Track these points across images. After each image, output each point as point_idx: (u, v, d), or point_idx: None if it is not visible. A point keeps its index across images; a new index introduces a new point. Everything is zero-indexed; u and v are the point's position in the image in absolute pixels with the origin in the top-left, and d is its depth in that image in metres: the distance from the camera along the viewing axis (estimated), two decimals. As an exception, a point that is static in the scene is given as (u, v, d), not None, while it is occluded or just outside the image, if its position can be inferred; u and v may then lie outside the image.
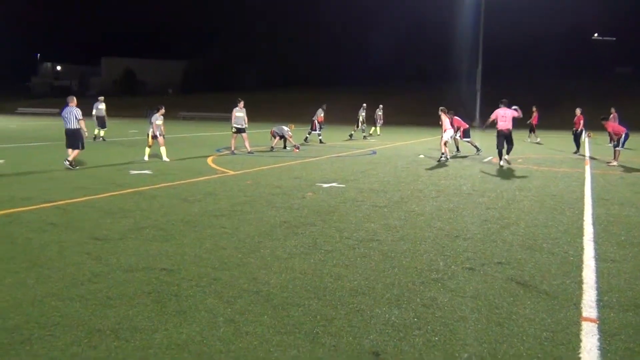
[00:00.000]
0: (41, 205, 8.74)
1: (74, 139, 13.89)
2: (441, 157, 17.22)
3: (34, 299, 4.59)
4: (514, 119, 16.08)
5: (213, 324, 4.16)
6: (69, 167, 13.53)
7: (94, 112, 24.34)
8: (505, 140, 15.97)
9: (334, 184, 11.72)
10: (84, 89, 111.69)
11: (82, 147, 14.05)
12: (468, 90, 55.93)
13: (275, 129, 21.33)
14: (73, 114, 13.80)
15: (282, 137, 21.10)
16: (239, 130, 19.16)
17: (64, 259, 5.76)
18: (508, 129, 15.90)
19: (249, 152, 18.86)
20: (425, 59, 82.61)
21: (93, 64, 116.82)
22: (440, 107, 18.30)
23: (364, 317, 4.36)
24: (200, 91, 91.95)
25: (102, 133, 24.38)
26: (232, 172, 13.67)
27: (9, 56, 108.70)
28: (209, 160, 16.74)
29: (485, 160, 17.96)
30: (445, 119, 17.65)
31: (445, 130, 17.56)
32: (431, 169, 15.17)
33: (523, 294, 4.96)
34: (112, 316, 4.26)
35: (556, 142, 28.97)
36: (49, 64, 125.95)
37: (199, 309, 4.44)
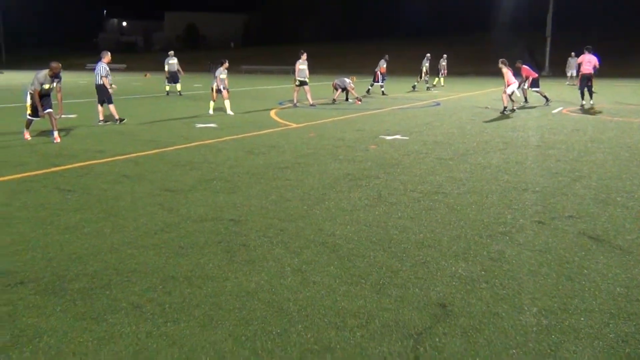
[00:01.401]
0: (114, 158, 9.08)
1: (98, 94, 13.89)
2: (504, 110, 16.46)
3: (111, 247, 4.81)
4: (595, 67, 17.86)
5: (281, 273, 4.26)
6: (100, 123, 13.67)
7: (165, 67, 24.58)
8: (587, 82, 18.00)
9: (397, 136, 11.60)
10: (149, 45, 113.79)
11: (108, 102, 13.85)
12: (537, 37, 53.51)
13: (337, 81, 21.18)
14: (98, 69, 13.82)
15: (344, 89, 20.95)
16: (302, 83, 19.13)
17: (137, 210, 5.99)
18: (590, 73, 17.84)
19: (311, 105, 18.85)
20: (490, 6, 79.27)
21: (157, 19, 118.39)
22: (501, 59, 17.02)
23: (430, 269, 4.35)
24: (261, 44, 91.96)
25: (178, 87, 24.65)
26: (294, 125, 13.73)
27: (78, 13, 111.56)
28: (272, 113, 16.85)
29: (555, 111, 17.28)
30: (507, 72, 16.50)
31: (508, 85, 16.44)
32: (497, 120, 14.75)
33: (595, 249, 4.81)
34: (184, 264, 4.42)
35: (631, 92, 27.51)
36: (115, 20, 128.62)
37: (267, 259, 4.55)
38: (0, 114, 16.43)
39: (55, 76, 10.79)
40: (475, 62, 60.26)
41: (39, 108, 10.75)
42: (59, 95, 11.09)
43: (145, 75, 49.68)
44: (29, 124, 11.21)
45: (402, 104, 20.27)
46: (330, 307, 3.69)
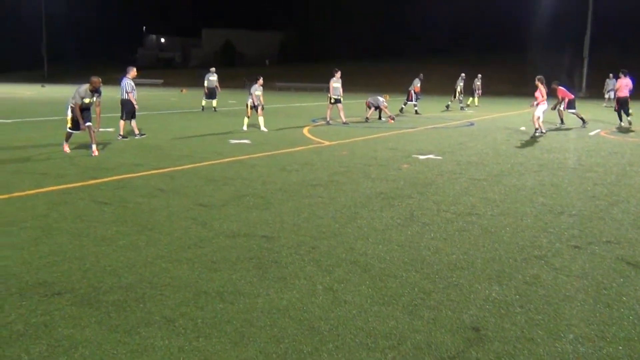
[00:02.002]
0: (150, 172, 9.23)
1: (123, 109, 14.08)
2: (535, 132, 15.97)
3: (146, 260, 4.88)
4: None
5: (312, 291, 4.26)
6: (119, 138, 13.76)
7: (205, 82, 24.91)
8: (625, 105, 18.87)
9: (430, 156, 11.54)
10: (186, 61, 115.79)
11: (123, 118, 14.05)
12: (574, 58, 52.76)
13: (370, 99, 21.21)
14: (123, 85, 14.05)
15: (377, 107, 20.95)
16: (336, 101, 19.21)
17: (171, 224, 6.08)
18: (626, 96, 18.94)
19: (344, 123, 18.89)
20: (526, 25, 78.61)
21: (194, 35, 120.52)
22: (538, 77, 16.39)
23: (463, 291, 4.30)
24: (295, 62, 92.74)
25: (214, 103, 24.93)
26: (327, 143, 13.77)
27: (119, 29, 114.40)
28: (305, 130, 16.95)
29: (593, 133, 16.98)
30: (541, 89, 15.88)
31: (538, 103, 15.87)
32: (532, 141, 14.55)
33: (634, 275, 4.69)
34: (217, 279, 4.46)
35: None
36: (153, 36, 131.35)
37: (299, 276, 4.55)
38: (41, 127, 16.88)
39: (95, 90, 11.08)
40: (512, 82, 59.68)
41: (80, 121, 11.02)
42: (97, 109, 11.38)
43: (182, 91, 50.51)
44: (68, 136, 11.49)
45: (435, 124, 20.18)
46: (361, 327, 3.67)
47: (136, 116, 14.41)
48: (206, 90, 24.91)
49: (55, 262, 4.79)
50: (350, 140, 14.46)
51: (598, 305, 4.08)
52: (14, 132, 15.33)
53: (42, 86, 59.39)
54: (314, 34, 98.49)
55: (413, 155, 11.61)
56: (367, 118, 20.91)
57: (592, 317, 3.88)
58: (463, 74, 29.13)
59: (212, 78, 24.69)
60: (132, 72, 14.25)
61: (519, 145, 13.85)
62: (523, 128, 18.39)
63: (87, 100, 11.05)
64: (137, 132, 14.18)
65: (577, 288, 4.41)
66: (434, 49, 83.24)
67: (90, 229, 5.82)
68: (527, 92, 44.39)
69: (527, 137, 15.48)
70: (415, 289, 4.33)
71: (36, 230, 5.71)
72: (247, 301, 4.05)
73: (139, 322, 3.68)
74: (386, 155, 11.70)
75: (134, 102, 14.06)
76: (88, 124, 11.10)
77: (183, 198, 7.33)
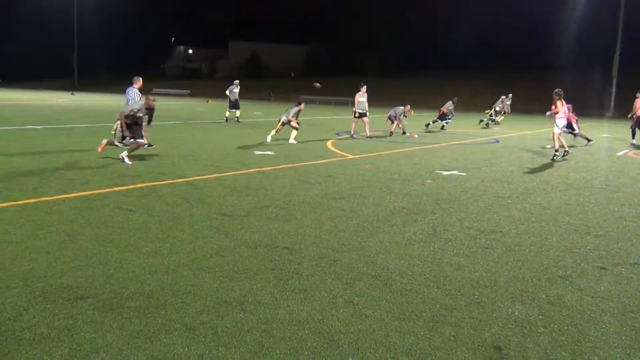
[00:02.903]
0: (174, 180, 9.32)
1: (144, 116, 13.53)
2: (554, 155, 14.88)
3: (168, 268, 4.92)
4: None
5: (333, 304, 4.24)
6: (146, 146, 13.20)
7: (227, 92, 25.24)
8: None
9: (454, 172, 11.47)
10: (213, 72, 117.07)
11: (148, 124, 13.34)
12: (603, 77, 52.11)
13: (391, 112, 21.16)
14: (132, 95, 13.64)
15: (396, 117, 20.78)
16: (361, 115, 19.23)
17: (194, 232, 6.12)
18: None
19: (367, 137, 18.89)
20: (553, 44, 77.88)
21: (221, 47, 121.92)
22: (556, 90, 15.29)
23: (485, 309, 4.25)
24: (320, 75, 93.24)
25: (237, 113, 25.30)
26: (351, 156, 13.77)
27: (148, 40, 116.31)
28: (329, 143, 16.98)
29: (621, 153, 16.73)
30: (560, 105, 14.93)
31: (557, 119, 14.95)
32: (559, 160, 14.37)
33: (662, 299, 4.59)
34: (237, 289, 4.47)
35: None
36: (181, 48, 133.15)
37: (319, 289, 4.54)
38: (70, 134, 17.18)
39: (149, 109, 11.42)
40: (537, 100, 59.16)
41: (127, 133, 11.24)
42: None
43: (208, 102, 51.03)
44: (110, 142, 11.71)
45: (460, 140, 20.06)
46: (381, 342, 3.64)
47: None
48: (232, 99, 25.17)
49: (79, 266, 4.85)
50: (373, 154, 14.44)
51: (624, 329, 3.99)
52: (44, 138, 15.61)
53: (72, 94, 60.52)
54: (340, 49, 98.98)
55: (437, 171, 11.55)
56: (391, 132, 20.88)
57: (617, 340, 3.80)
58: (510, 95, 29.44)
59: (236, 90, 25.02)
60: (139, 82, 14.01)
61: (545, 163, 13.69)
62: (549, 146, 18.16)
63: (139, 115, 11.32)
64: (146, 142, 13.54)
65: (603, 310, 4.32)
66: (460, 64, 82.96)
67: (114, 235, 5.89)
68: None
69: (549, 155, 15.27)
70: (437, 305, 4.29)
71: (62, 235, 5.80)
72: (267, 311, 4.05)
73: (159, 328, 3.71)
74: (410, 170, 11.66)
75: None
76: (133, 140, 11.24)
77: (206, 207, 7.38)
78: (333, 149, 15.47)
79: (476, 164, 12.97)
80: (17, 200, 7.33)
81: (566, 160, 14.42)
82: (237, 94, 25.16)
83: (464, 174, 11.34)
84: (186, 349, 3.43)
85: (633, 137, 19.68)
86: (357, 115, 19.33)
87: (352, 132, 19.56)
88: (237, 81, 25.63)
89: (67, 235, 5.82)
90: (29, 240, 5.58)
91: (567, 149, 15.12)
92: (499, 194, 9.21)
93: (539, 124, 32.50)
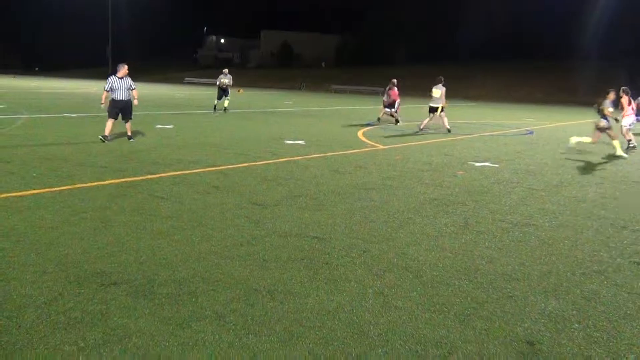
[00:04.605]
0: (206, 169, 9.40)
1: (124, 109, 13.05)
2: (629, 145, 14.90)
3: (199, 256, 4.96)
4: None
5: (362, 294, 4.23)
6: (109, 138, 12.60)
7: (217, 83, 24.25)
8: None
9: (486, 163, 11.31)
10: (244, 61, 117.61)
11: (110, 117, 12.81)
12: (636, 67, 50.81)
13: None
14: (130, 83, 12.93)
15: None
16: (432, 110, 18.48)
17: (225, 221, 6.15)
18: None
19: (447, 129, 18.18)
20: (585, 34, 75.88)
21: (253, 37, 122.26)
22: (623, 87, 15.22)
23: (518, 303, 4.18)
24: (351, 65, 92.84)
25: (226, 103, 24.12)
26: (381, 147, 13.69)
27: (181, 30, 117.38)
28: (359, 133, 16.90)
29: (659, 146, 16.26)
30: (625, 102, 15.03)
31: (624, 116, 15.05)
32: (594, 153, 14.06)
33: (702, 297, 4.45)
34: (268, 278, 4.48)
35: None
36: (213, 37, 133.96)
37: (349, 279, 4.53)
38: (103, 122, 17.42)
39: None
40: (568, 91, 57.94)
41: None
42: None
43: (239, 91, 51.25)
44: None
45: (493, 131, 19.77)
46: (411, 333, 3.61)
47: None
48: (222, 88, 24.09)
49: (112, 252, 4.92)
50: (404, 144, 14.33)
51: (662, 326, 3.89)
52: (79, 126, 15.89)
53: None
54: (371, 39, 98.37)
55: (469, 162, 11.41)
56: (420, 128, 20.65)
57: (655, 337, 3.71)
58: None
59: (225, 80, 24.01)
60: (123, 69, 13.04)
61: (579, 155, 13.41)
62: (587, 138, 17.77)
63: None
64: (129, 133, 12.98)
65: (639, 306, 4.22)
66: (490, 54, 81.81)
67: (146, 222, 5.96)
68: (586, 101, 43.13)
69: (588, 148, 14.94)
70: (468, 298, 4.24)
71: (96, 222, 5.89)
72: (297, 301, 4.05)
73: (190, 315, 3.74)
74: (441, 161, 11.54)
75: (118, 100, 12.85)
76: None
77: (237, 196, 7.42)
78: (363, 139, 15.40)
79: (509, 156, 12.77)
80: (53, 187, 7.48)
81: (628, 156, 14.10)
82: (227, 83, 24.05)
83: (497, 165, 11.18)
84: (217, 337, 3.46)
85: None
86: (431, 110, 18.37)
87: (381, 117, 19.87)
88: (226, 70, 24.97)
89: (101, 221, 5.91)
90: (64, 226, 5.69)
91: (634, 143, 15.06)
92: (532, 186, 9.06)
93: (572, 116, 31.86)
